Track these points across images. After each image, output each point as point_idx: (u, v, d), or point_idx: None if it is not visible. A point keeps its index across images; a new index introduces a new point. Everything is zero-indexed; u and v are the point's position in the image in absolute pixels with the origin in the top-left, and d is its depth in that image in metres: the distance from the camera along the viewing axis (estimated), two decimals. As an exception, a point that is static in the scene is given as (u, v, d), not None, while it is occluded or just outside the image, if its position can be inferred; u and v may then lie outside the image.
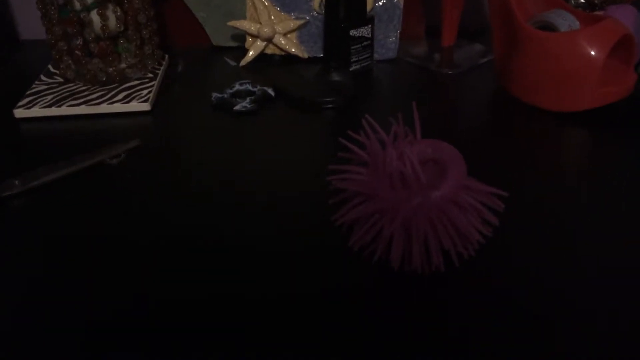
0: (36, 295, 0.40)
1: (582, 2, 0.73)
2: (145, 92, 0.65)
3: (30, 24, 0.86)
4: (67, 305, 0.39)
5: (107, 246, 0.44)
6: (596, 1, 0.72)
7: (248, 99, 0.64)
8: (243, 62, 0.75)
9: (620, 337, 0.35)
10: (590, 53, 0.58)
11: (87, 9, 0.63)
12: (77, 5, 0.62)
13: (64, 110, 0.62)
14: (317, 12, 0.76)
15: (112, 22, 0.64)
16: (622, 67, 0.61)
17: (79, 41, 0.65)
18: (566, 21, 0.62)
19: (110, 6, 0.63)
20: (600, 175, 0.52)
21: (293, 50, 0.75)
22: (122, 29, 0.65)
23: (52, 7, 0.63)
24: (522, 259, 0.42)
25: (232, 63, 0.77)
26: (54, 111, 0.62)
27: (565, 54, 0.59)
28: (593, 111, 0.61)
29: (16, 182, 0.51)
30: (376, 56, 0.77)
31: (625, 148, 0.56)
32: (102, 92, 0.65)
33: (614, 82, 0.60)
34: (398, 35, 0.77)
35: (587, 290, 0.39)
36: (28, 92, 0.66)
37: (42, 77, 0.69)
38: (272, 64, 0.76)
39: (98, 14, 0.63)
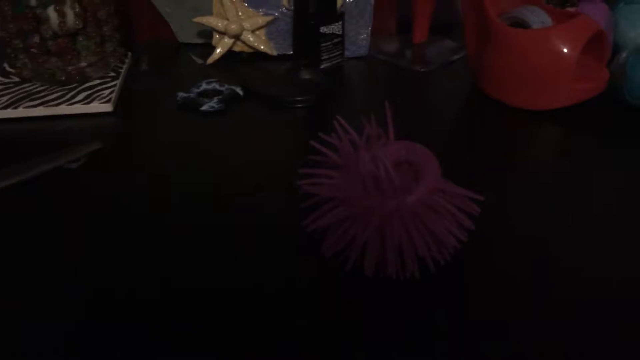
0: None
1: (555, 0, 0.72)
2: (107, 92, 0.63)
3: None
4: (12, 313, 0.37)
5: (63, 251, 0.42)
6: (568, -3, 0.71)
7: (216, 99, 0.62)
8: (210, 60, 0.73)
9: (604, 337, 0.34)
10: (562, 50, 0.57)
11: (44, 5, 0.59)
12: (33, 1, 0.59)
13: (21, 112, 0.59)
14: (286, 8, 0.74)
15: (71, 18, 0.61)
16: (595, 64, 0.61)
17: (36, 38, 0.61)
18: (538, 18, 0.61)
19: (68, 2, 0.60)
20: (575, 174, 0.52)
21: (262, 47, 0.73)
22: (81, 25, 0.62)
23: (6, 3, 0.60)
24: (499, 261, 0.41)
25: (199, 61, 0.74)
26: (10, 113, 0.59)
27: (538, 51, 0.58)
28: (566, 109, 0.60)
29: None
30: (347, 53, 0.75)
31: (599, 147, 0.56)
32: (62, 92, 0.62)
33: (586, 79, 0.59)
34: (369, 32, 0.75)
35: (566, 293, 0.38)
36: (-18, 93, 0.62)
37: (-3, 77, 0.66)
38: (240, 62, 0.74)
39: (55, 10, 0.60)
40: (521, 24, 0.62)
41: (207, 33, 0.77)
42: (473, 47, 0.66)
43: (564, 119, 0.60)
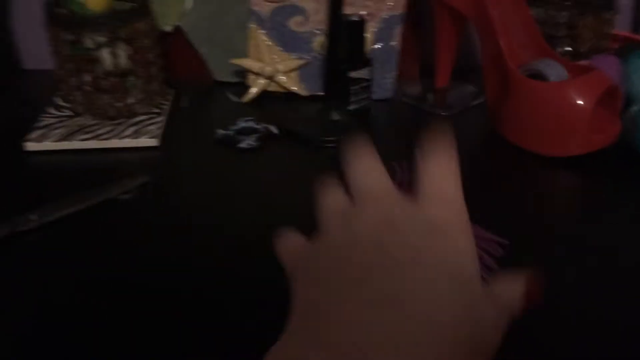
0: (39, 334, 0.41)
1: (569, 50, 0.77)
2: (153, 127, 0.68)
3: (33, 53, 0.88)
4: (70, 346, 0.41)
5: (120, 288, 0.46)
6: (582, 50, 0.76)
7: (253, 137, 0.66)
8: (245, 99, 0.78)
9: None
10: (578, 103, 0.62)
11: (99, 47, 0.65)
12: (89, 43, 0.64)
13: (75, 144, 0.64)
14: (317, 53, 0.79)
15: (123, 60, 0.66)
16: (608, 116, 0.65)
17: (89, 77, 0.67)
18: (555, 71, 0.66)
19: (121, 45, 0.66)
20: (590, 218, 0.56)
21: (294, 88, 0.78)
22: (131, 66, 0.67)
23: (64, 44, 0.65)
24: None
25: (234, 99, 0.79)
26: (65, 145, 0.64)
27: (556, 103, 0.63)
28: (582, 156, 0.64)
29: (32, 217, 0.52)
30: (373, 96, 0.80)
31: (613, 192, 0.60)
32: (111, 127, 0.67)
33: (600, 130, 0.64)
34: (394, 76, 0.80)
35: (583, 338, 0.42)
36: (37, 125, 0.67)
37: (51, 110, 0.71)
38: (273, 101, 0.79)
39: (109, 52, 0.65)
40: (539, 76, 0.66)
41: (243, 72, 0.83)
42: (493, 95, 0.71)
43: (580, 165, 0.64)
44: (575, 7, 0.74)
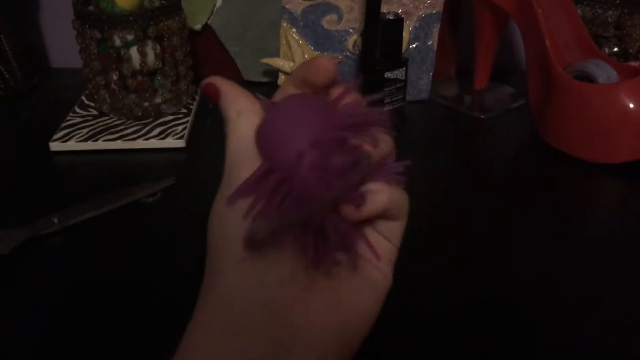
0: (61, 337, 0.40)
1: (616, 51, 0.73)
2: (180, 128, 0.66)
3: (61, 52, 0.87)
4: (89, 349, 0.39)
5: (141, 292, 0.44)
6: (631, 50, 0.72)
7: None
8: (275, 99, 0.76)
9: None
10: (629, 106, 0.58)
11: (127, 45, 0.63)
12: (117, 42, 0.63)
13: (100, 144, 0.63)
14: (350, 52, 0.76)
15: (151, 58, 0.64)
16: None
17: (116, 76, 0.65)
18: (604, 72, 0.62)
19: (150, 43, 0.64)
20: (635, 229, 0.52)
21: (325, 88, 0.76)
22: (160, 65, 0.65)
23: (92, 42, 0.63)
24: (552, 313, 0.41)
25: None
26: (90, 145, 0.63)
27: (605, 106, 0.59)
28: (630, 163, 0.61)
29: (55, 220, 0.50)
30: (408, 97, 0.76)
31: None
32: (137, 127, 0.65)
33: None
34: (430, 77, 0.77)
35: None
36: (63, 125, 0.66)
37: (76, 109, 0.70)
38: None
39: (138, 50, 0.63)
40: (587, 77, 0.63)
41: (272, 72, 0.80)
42: (536, 97, 0.67)
43: (627, 173, 0.60)
44: (624, 5, 0.70)
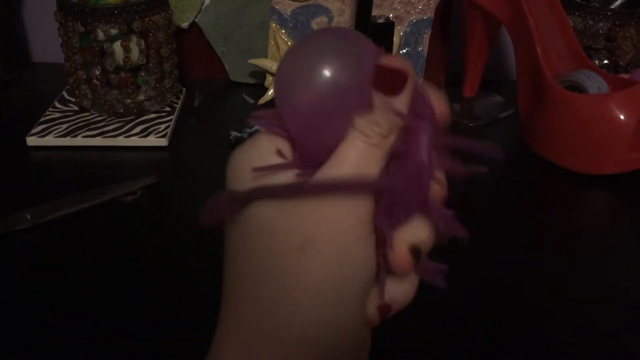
0: (30, 336, 0.38)
1: (606, 63, 0.72)
2: (162, 126, 0.64)
3: (43, 45, 0.85)
4: (63, 346, 0.37)
5: (119, 290, 0.42)
6: (621, 63, 0.71)
7: (268, 141, 0.62)
8: (262, 101, 0.74)
9: None
10: (620, 118, 0.57)
11: (111, 39, 0.61)
12: (101, 35, 0.61)
13: (79, 140, 0.61)
14: (339, 55, 0.75)
15: (135, 54, 0.63)
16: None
17: (99, 71, 0.63)
18: (595, 83, 0.62)
19: (134, 38, 0.62)
20: (624, 243, 0.51)
21: (313, 91, 0.74)
22: (144, 61, 0.64)
23: (74, 35, 0.61)
24: (538, 322, 0.40)
25: (250, 100, 0.75)
26: (69, 141, 0.60)
27: (595, 117, 0.58)
28: (618, 175, 0.60)
29: (28, 216, 0.48)
30: (396, 103, 0.76)
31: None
32: (119, 124, 0.64)
33: (639, 148, 0.59)
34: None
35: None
36: (42, 120, 0.64)
37: (56, 104, 0.68)
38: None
39: (121, 45, 0.61)
40: (577, 88, 0.62)
41: (259, 74, 0.79)
42: (526, 106, 0.67)
43: (615, 185, 0.59)
44: (616, 17, 0.69)
